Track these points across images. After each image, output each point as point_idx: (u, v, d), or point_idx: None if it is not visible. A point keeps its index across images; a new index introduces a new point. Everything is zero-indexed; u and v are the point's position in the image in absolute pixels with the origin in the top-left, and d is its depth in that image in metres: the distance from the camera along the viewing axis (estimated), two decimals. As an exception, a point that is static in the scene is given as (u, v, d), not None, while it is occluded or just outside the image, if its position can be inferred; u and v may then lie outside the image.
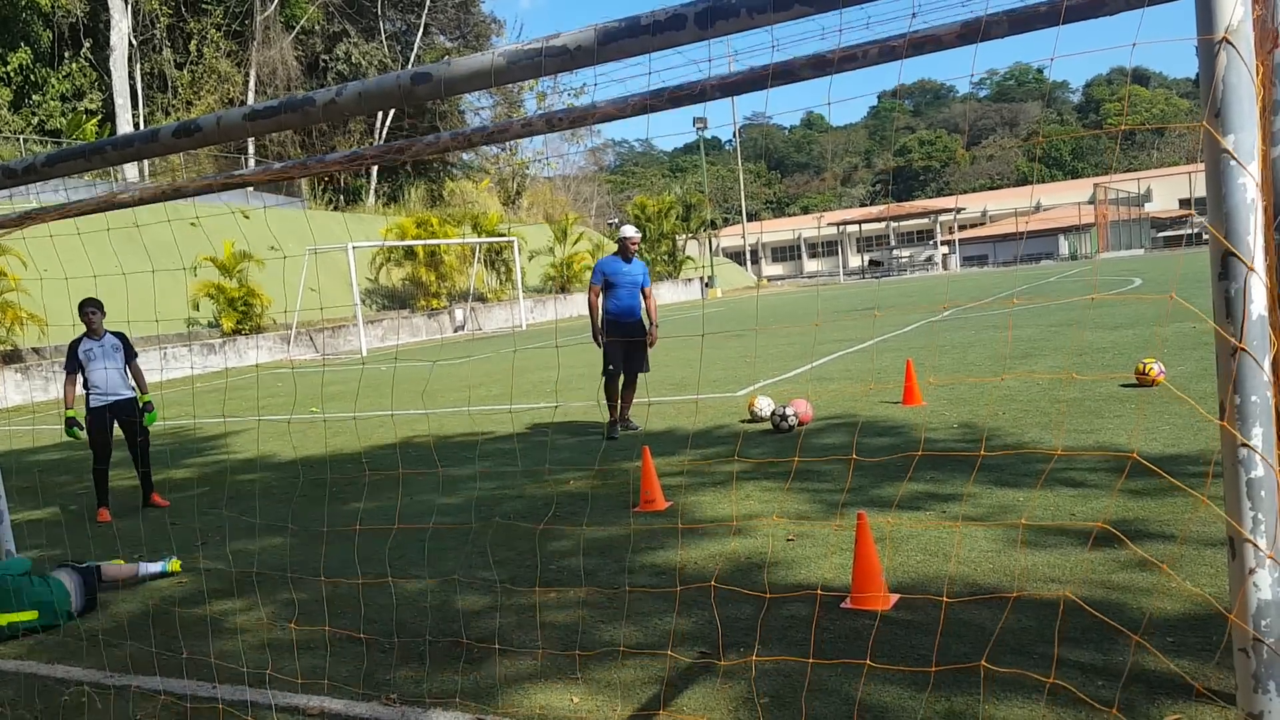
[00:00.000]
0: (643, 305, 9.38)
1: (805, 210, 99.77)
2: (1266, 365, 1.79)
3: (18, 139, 33.56)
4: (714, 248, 61.55)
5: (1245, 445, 1.80)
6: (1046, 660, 3.48)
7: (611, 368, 9.11)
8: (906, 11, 2.63)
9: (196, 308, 27.91)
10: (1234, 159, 1.76)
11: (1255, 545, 1.81)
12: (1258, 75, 1.96)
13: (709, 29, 2.16)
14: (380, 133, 47.32)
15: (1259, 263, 1.77)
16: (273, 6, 44.30)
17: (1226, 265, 1.77)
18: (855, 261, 74.24)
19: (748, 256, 71.39)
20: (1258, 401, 1.76)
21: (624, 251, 9.35)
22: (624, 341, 9.09)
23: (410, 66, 48.67)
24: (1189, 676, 3.24)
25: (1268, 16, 2.51)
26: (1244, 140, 1.74)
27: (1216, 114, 1.75)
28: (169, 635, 4.76)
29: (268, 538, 6.58)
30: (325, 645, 4.38)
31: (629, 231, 9.47)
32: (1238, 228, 1.76)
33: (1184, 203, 64.39)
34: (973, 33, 2.92)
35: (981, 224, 74.61)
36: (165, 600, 5.40)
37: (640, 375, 9.35)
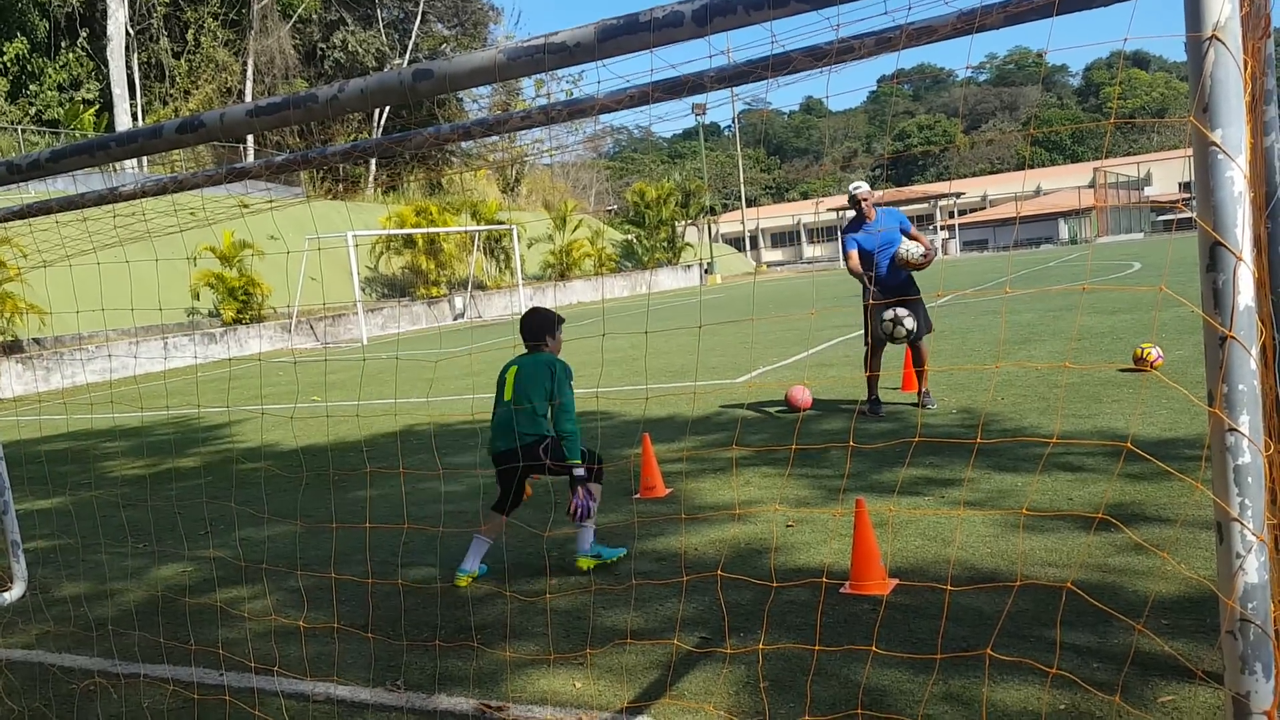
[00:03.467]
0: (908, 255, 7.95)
1: (805, 196, 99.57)
2: (1254, 353, 1.83)
3: (15, 129, 33.51)
4: (713, 234, 61.47)
5: (1234, 430, 1.83)
6: (1043, 643, 3.53)
7: (872, 340, 8.27)
8: (902, 6, 2.65)
9: (197, 297, 27.95)
10: (1223, 152, 1.79)
11: (1243, 529, 1.85)
12: (1246, 68, 1.99)
13: (706, 25, 2.19)
14: (379, 122, 47.21)
15: (1247, 253, 1.81)
16: (269, -6, 44.14)
17: (1215, 256, 1.81)
18: (855, 247, 74.02)
19: (747, 242, 71.32)
20: (1245, 389, 1.80)
21: (859, 214, 8.21)
22: (895, 303, 8.01)
23: (408, 54, 48.72)
24: (1184, 659, 3.29)
25: (1261, 4, 2.54)
26: (1232, 134, 1.77)
27: (1205, 109, 1.78)
28: (176, 624, 4.82)
29: (273, 526, 6.63)
30: (331, 633, 4.43)
31: (855, 188, 8.20)
32: (1225, 220, 1.79)
33: (1184, 186, 64.30)
34: (968, 24, 2.94)
35: (981, 209, 74.52)
36: (172, 589, 5.45)
37: (923, 341, 8.23)
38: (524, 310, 5.52)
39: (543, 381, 5.02)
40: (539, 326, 5.22)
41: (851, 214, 8.36)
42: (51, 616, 5.19)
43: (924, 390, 8.36)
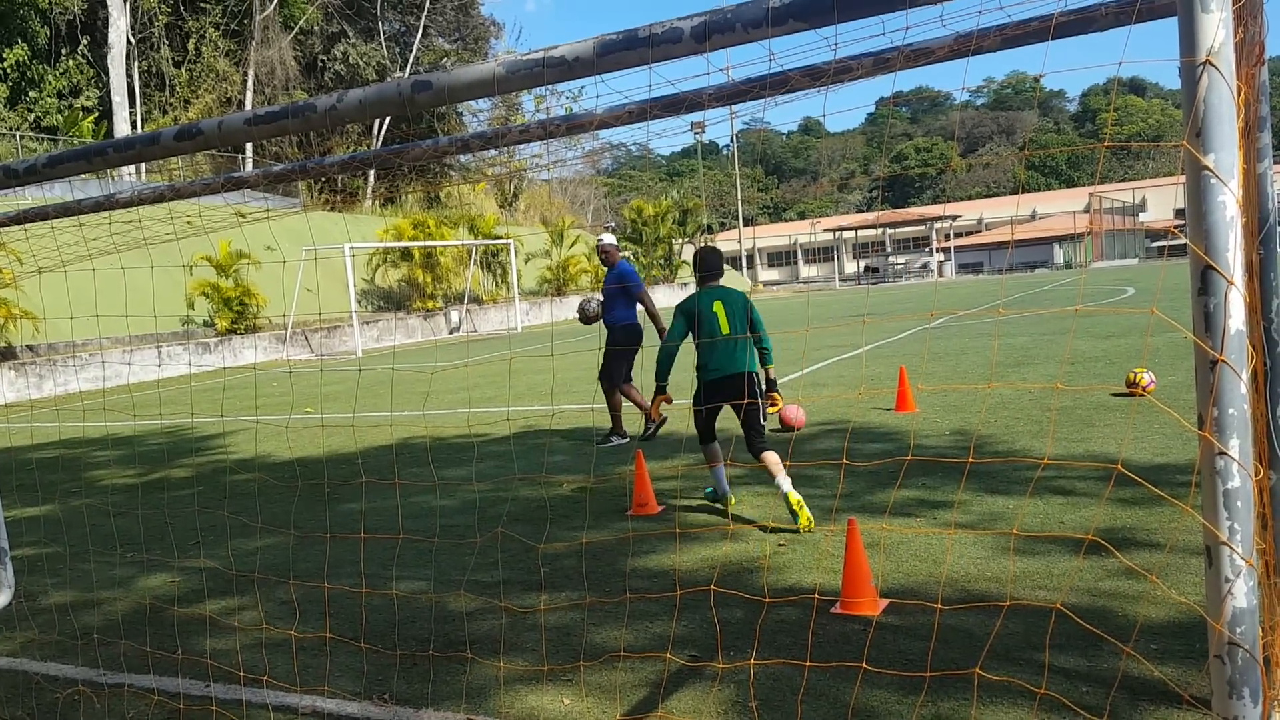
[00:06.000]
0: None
1: (801, 216, 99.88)
2: (1245, 378, 1.83)
3: (14, 136, 33.51)
4: (710, 252, 61.42)
5: (1224, 455, 1.84)
6: (1033, 666, 3.53)
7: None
8: (899, 27, 2.68)
9: (192, 306, 27.90)
10: (1215, 177, 1.80)
11: (1233, 553, 1.85)
12: (1239, 94, 2.00)
13: (705, 43, 2.20)
14: (379, 135, 47.31)
15: (1238, 277, 1.81)
16: (272, 6, 44.30)
17: (1206, 280, 1.81)
18: (851, 267, 74.41)
19: (744, 261, 71.43)
20: (1235, 414, 1.80)
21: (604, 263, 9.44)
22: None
23: (409, 68, 48.87)
24: (1173, 683, 3.29)
25: (1254, 32, 2.56)
26: (1224, 159, 1.78)
27: (1198, 134, 1.79)
28: (163, 634, 4.79)
29: (264, 537, 6.60)
30: (320, 645, 4.41)
31: (599, 239, 9.50)
32: (1217, 244, 1.80)
33: (1179, 213, 64.63)
34: (965, 47, 2.96)
35: (977, 231, 74.80)
36: (160, 599, 5.42)
37: (605, 384, 9.28)
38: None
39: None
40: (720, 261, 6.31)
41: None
42: (37, 625, 5.16)
43: (612, 431, 9.11)
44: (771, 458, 5.74)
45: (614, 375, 9.06)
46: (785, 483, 5.61)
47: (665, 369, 6.09)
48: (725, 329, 5.90)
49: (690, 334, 5.99)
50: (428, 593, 5.07)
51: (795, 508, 5.51)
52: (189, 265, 26.77)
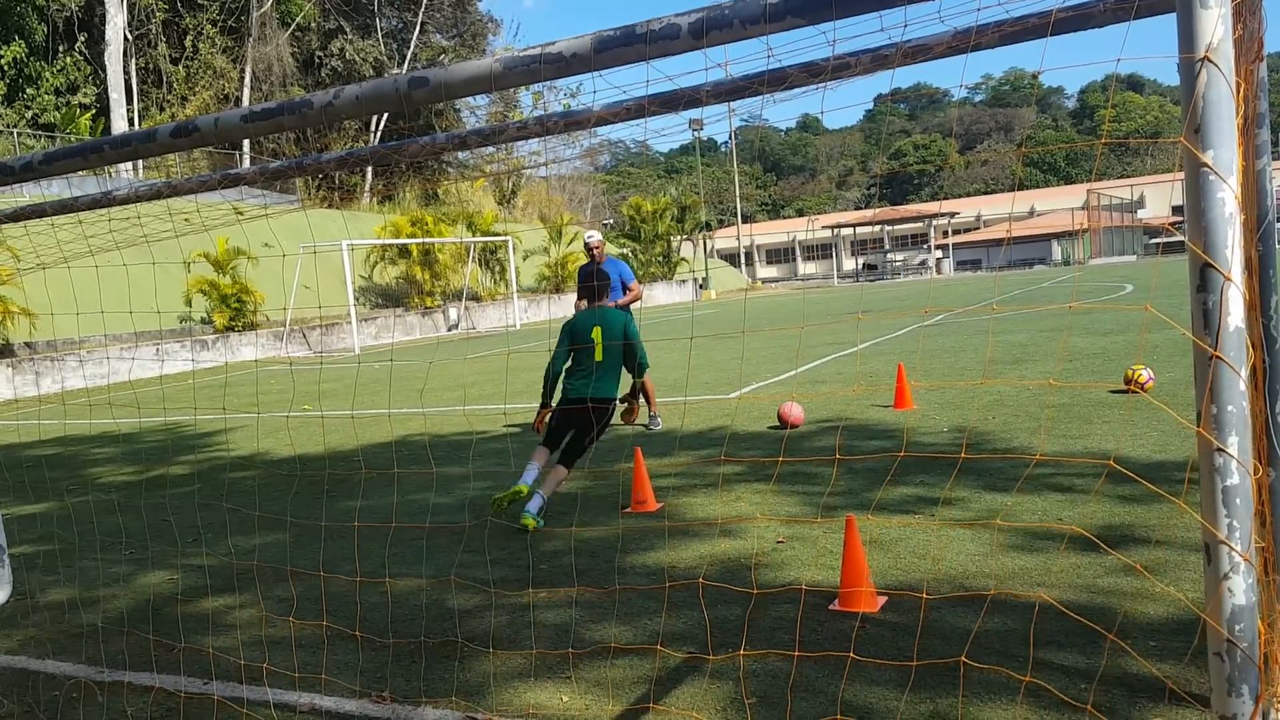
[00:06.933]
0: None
1: (800, 213, 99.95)
2: (1244, 375, 1.83)
3: (11, 133, 33.47)
4: (709, 249, 61.58)
5: (1222, 451, 1.83)
6: (1033, 662, 3.52)
7: None
8: (898, 24, 2.67)
9: (189, 303, 27.87)
10: (1214, 173, 1.80)
11: (1231, 550, 1.85)
12: (1239, 91, 2.00)
13: (703, 39, 2.19)
14: (376, 131, 47.25)
15: (1237, 274, 1.81)
16: (269, 3, 44.25)
17: (1205, 277, 1.81)
18: (850, 264, 74.44)
19: (742, 258, 71.43)
20: (1233, 411, 1.80)
21: (591, 259, 9.55)
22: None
23: (406, 64, 48.81)
24: (1170, 680, 3.29)
25: (1254, 28, 2.56)
26: (1223, 156, 1.77)
27: (1196, 130, 1.78)
28: (163, 631, 4.79)
29: (263, 534, 6.60)
30: (319, 642, 4.40)
31: (588, 236, 9.68)
32: (1216, 240, 1.79)
33: (1177, 209, 64.72)
34: (963, 44, 2.96)
35: (975, 229, 74.84)
36: (159, 595, 5.42)
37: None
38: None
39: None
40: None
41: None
42: (36, 622, 5.16)
43: (652, 414, 9.50)
44: (559, 473, 6.20)
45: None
46: (535, 503, 5.98)
47: (551, 387, 6.43)
48: (598, 355, 6.37)
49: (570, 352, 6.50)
50: (425, 589, 5.07)
51: (524, 521, 5.96)
52: (187, 262, 26.74)
